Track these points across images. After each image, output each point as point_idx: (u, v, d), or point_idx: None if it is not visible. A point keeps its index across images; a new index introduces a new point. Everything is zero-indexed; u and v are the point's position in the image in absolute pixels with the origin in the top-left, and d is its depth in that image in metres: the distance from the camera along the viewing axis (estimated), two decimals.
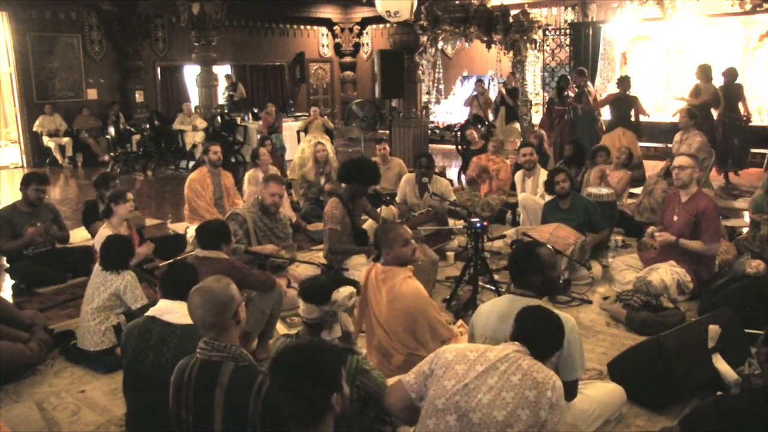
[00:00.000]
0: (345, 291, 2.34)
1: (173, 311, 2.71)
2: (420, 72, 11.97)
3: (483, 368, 2.10)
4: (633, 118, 9.00)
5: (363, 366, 2.35)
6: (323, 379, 1.73)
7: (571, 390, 2.66)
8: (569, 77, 10.37)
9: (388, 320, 3.16)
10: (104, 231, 4.41)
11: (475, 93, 11.87)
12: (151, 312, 2.76)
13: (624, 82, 9.13)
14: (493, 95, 12.54)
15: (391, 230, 3.31)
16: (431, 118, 14.69)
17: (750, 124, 8.91)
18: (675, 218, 4.62)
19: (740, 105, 8.67)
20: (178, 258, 5.08)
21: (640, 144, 9.13)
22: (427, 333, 3.14)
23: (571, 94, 9.81)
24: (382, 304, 3.19)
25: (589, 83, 10.16)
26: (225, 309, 2.18)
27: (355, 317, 3.29)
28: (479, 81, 12.54)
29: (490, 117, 11.64)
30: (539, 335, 2.23)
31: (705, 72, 8.62)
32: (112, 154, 11.71)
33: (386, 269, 3.23)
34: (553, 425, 2.05)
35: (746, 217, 6.69)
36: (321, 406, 1.72)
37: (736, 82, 8.77)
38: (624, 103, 9.05)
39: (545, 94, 12.15)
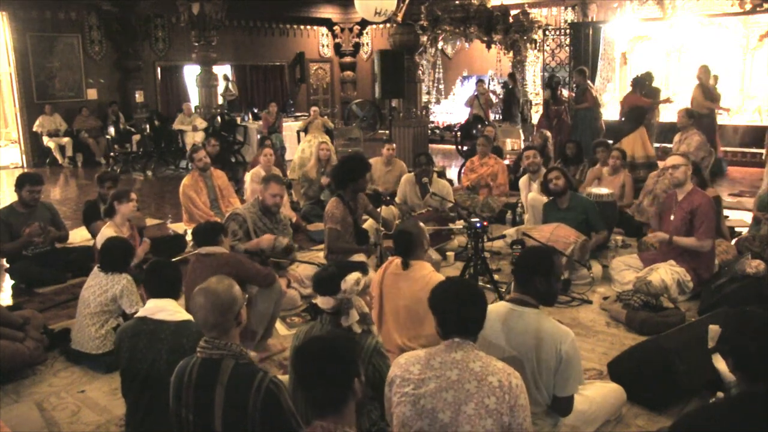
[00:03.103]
0: (351, 278, 2.49)
1: (164, 309, 2.73)
2: (420, 72, 11.98)
3: (434, 383, 2.11)
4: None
5: (380, 348, 2.48)
6: (343, 365, 1.83)
7: (565, 405, 2.65)
8: (559, 76, 10.44)
9: (413, 307, 3.22)
10: (107, 230, 4.41)
11: (475, 93, 11.87)
12: (141, 313, 2.77)
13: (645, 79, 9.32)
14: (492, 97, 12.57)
15: (418, 225, 3.46)
16: (431, 118, 14.68)
17: None
18: (672, 217, 4.64)
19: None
20: (182, 257, 5.09)
21: None
22: None
23: (566, 93, 9.82)
24: (403, 296, 3.25)
25: (588, 81, 10.16)
26: (228, 310, 2.20)
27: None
28: (480, 81, 12.55)
29: (491, 117, 11.66)
30: (462, 309, 2.19)
31: (705, 72, 8.93)
32: (111, 154, 11.71)
33: (413, 263, 3.33)
34: (519, 426, 2.07)
35: (746, 216, 6.69)
36: (344, 392, 1.82)
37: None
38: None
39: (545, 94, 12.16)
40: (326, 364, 1.82)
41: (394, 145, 7.40)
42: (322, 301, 2.52)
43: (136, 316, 2.79)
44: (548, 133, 8.50)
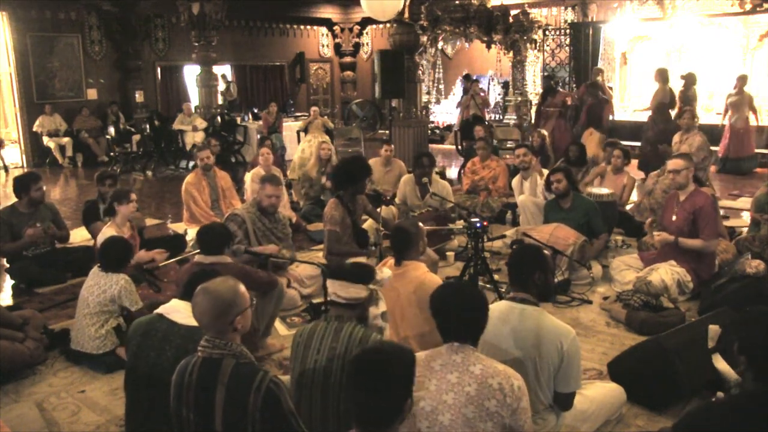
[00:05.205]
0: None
1: (179, 311, 2.72)
2: (420, 72, 11.98)
3: (434, 385, 2.11)
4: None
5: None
6: (403, 383, 1.76)
7: (566, 401, 2.66)
8: (557, 76, 10.54)
9: (408, 306, 3.23)
10: (107, 230, 4.43)
11: (470, 94, 11.90)
12: (160, 309, 2.76)
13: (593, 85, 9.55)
14: (492, 97, 12.57)
15: (417, 225, 3.46)
16: (431, 118, 14.69)
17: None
18: (674, 218, 4.63)
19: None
20: (182, 257, 5.10)
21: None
22: None
23: (571, 95, 9.83)
24: (398, 297, 3.24)
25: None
26: (223, 314, 2.16)
27: None
28: (476, 81, 12.59)
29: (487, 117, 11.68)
30: (462, 315, 2.21)
31: (662, 75, 9.16)
32: (111, 154, 11.71)
33: (406, 263, 3.32)
34: (520, 429, 2.08)
35: (745, 216, 6.69)
36: (396, 411, 1.74)
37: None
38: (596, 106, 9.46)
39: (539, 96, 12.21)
40: (384, 384, 1.73)
41: (392, 146, 7.39)
42: (354, 290, 2.47)
43: (155, 312, 2.78)
44: (545, 132, 8.50)
